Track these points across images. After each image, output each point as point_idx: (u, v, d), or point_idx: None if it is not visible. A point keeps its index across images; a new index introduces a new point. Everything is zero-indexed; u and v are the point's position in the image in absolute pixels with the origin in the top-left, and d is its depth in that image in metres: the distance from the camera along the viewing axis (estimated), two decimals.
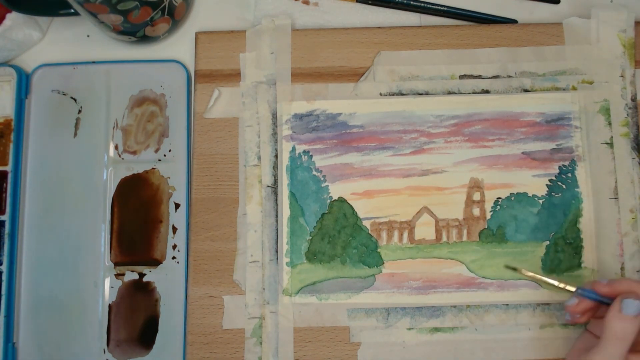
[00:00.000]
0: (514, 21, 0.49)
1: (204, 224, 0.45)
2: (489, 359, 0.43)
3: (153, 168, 0.47)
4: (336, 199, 0.45)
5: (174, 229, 0.46)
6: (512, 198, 0.45)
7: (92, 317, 0.46)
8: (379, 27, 0.48)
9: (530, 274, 0.39)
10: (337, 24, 0.50)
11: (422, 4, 0.49)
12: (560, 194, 0.45)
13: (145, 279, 0.46)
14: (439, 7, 0.49)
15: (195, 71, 0.48)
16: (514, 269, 0.39)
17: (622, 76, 0.46)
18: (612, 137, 0.46)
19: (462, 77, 0.47)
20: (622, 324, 0.34)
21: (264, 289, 0.45)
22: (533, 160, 0.45)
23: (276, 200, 0.46)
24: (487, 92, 0.46)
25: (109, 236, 0.47)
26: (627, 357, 0.35)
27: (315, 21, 0.50)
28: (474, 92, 0.46)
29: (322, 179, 0.46)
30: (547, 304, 0.44)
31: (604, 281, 0.37)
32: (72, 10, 0.46)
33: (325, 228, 0.45)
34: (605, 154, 0.45)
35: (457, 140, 0.46)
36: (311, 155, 0.46)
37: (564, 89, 0.46)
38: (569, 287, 0.38)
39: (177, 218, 0.47)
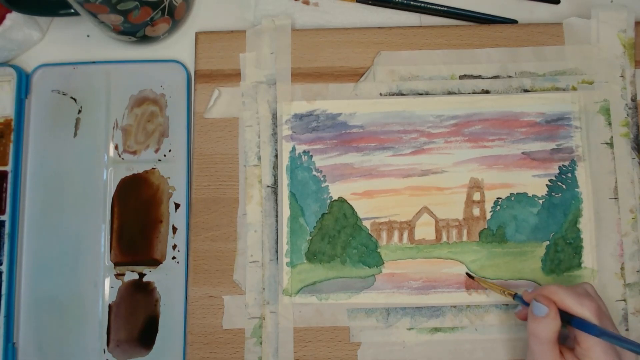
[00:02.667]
0: (514, 21, 0.49)
1: (204, 224, 0.45)
2: (489, 359, 0.43)
3: (153, 168, 0.47)
4: (336, 199, 0.45)
5: (174, 229, 0.46)
6: (512, 198, 0.45)
7: (92, 317, 0.46)
8: (379, 27, 0.48)
9: (483, 282, 0.43)
10: (337, 24, 0.50)
11: (422, 4, 0.49)
12: (560, 194, 0.45)
13: (145, 279, 0.46)
14: (439, 7, 0.49)
15: (195, 71, 0.48)
16: (472, 277, 0.44)
17: (622, 76, 0.46)
18: (612, 137, 0.46)
19: (462, 77, 0.47)
20: (534, 323, 0.37)
21: (264, 289, 0.45)
22: (533, 160, 0.45)
23: (276, 200, 0.46)
24: (487, 92, 0.46)
25: (109, 236, 0.47)
26: (562, 354, 0.37)
27: (315, 21, 0.50)
28: (474, 92, 0.46)
29: (322, 179, 0.46)
30: None
31: (529, 289, 0.40)
32: (72, 10, 0.46)
33: (325, 228, 0.45)
34: (605, 154, 0.45)
35: (457, 140, 0.46)
36: (311, 155, 0.46)
37: (564, 89, 0.46)
38: (508, 296, 0.41)
39: (177, 218, 0.47)
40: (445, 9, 0.49)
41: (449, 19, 0.50)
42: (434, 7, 0.49)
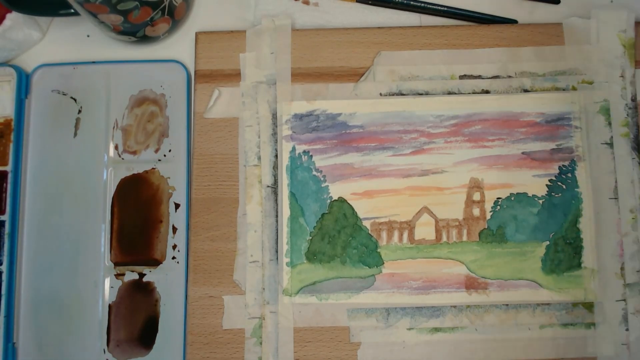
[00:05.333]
0: (514, 21, 0.49)
1: (204, 224, 0.45)
2: (489, 359, 0.43)
3: (153, 168, 0.47)
4: (336, 199, 0.45)
5: (174, 229, 0.46)
6: (512, 198, 0.45)
7: (92, 317, 0.46)
8: (379, 27, 0.48)
9: None
10: (337, 24, 0.50)
11: (422, 4, 0.49)
12: (560, 194, 0.45)
13: (145, 279, 0.46)
14: (439, 7, 0.49)
15: (195, 71, 0.48)
16: None
17: (622, 76, 0.46)
18: (612, 137, 0.46)
19: (462, 77, 0.47)
20: None
21: (264, 289, 0.45)
22: (533, 160, 0.45)
23: (276, 200, 0.46)
24: (487, 92, 0.46)
25: (109, 236, 0.47)
26: None
27: (315, 21, 0.50)
28: (474, 92, 0.46)
29: (322, 179, 0.46)
30: (547, 304, 0.44)
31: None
32: (72, 10, 0.46)
33: (325, 228, 0.45)
34: (605, 154, 0.45)
35: (457, 140, 0.46)
36: (311, 155, 0.46)
37: (564, 89, 0.46)
38: None
39: (177, 218, 0.47)
40: (445, 9, 0.49)
41: (449, 19, 0.50)
42: (434, 7, 0.49)
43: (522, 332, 0.43)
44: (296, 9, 0.50)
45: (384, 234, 0.45)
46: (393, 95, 0.47)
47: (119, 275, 0.46)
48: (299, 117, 0.46)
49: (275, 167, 0.46)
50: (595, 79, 0.46)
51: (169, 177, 0.47)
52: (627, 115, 0.46)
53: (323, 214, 0.45)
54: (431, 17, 0.50)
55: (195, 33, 0.48)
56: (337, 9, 0.50)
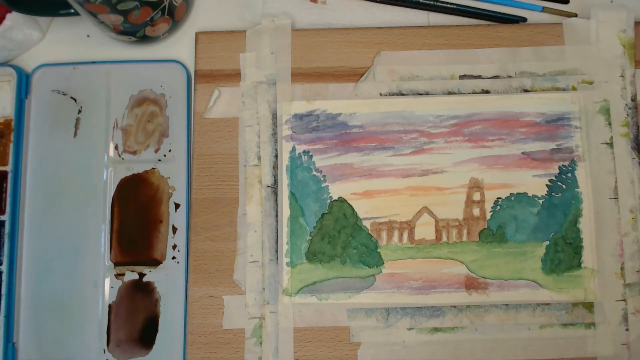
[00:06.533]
0: (523, 19, 0.49)
1: (204, 224, 0.45)
2: (489, 359, 0.43)
3: (153, 168, 0.47)
4: (336, 199, 0.45)
5: (174, 229, 0.46)
6: (512, 198, 0.45)
7: (92, 317, 0.46)
8: (379, 27, 0.48)
9: None
10: (346, 22, 0.49)
11: (431, 1, 0.49)
12: (560, 194, 0.45)
13: (145, 279, 0.46)
14: (448, 5, 0.49)
15: (195, 71, 0.48)
16: None
17: (622, 76, 0.46)
18: (612, 137, 0.46)
19: (462, 77, 0.47)
20: None
21: (264, 289, 0.45)
22: (533, 160, 0.45)
23: (276, 200, 0.46)
24: (487, 92, 0.46)
25: (109, 236, 0.47)
26: None
27: (323, 19, 0.49)
28: (474, 92, 0.46)
29: (322, 179, 0.46)
30: (547, 304, 0.44)
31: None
32: (72, 10, 0.46)
33: (325, 228, 0.45)
34: (605, 154, 0.45)
35: (457, 140, 0.46)
36: (311, 155, 0.46)
37: (564, 89, 0.46)
38: None
39: (177, 218, 0.47)
40: (455, 6, 0.49)
41: (457, 16, 0.49)
42: (443, 4, 0.49)
43: (522, 332, 0.43)
44: (303, 7, 0.50)
45: (384, 234, 0.45)
46: (393, 95, 0.47)
47: (119, 275, 0.46)
48: (299, 117, 0.46)
49: (275, 167, 0.46)
50: (595, 79, 0.46)
51: (169, 177, 0.47)
52: (627, 115, 0.46)
53: (323, 214, 0.45)
54: (440, 15, 0.49)
55: (195, 33, 0.48)
56: (344, 7, 0.50)
